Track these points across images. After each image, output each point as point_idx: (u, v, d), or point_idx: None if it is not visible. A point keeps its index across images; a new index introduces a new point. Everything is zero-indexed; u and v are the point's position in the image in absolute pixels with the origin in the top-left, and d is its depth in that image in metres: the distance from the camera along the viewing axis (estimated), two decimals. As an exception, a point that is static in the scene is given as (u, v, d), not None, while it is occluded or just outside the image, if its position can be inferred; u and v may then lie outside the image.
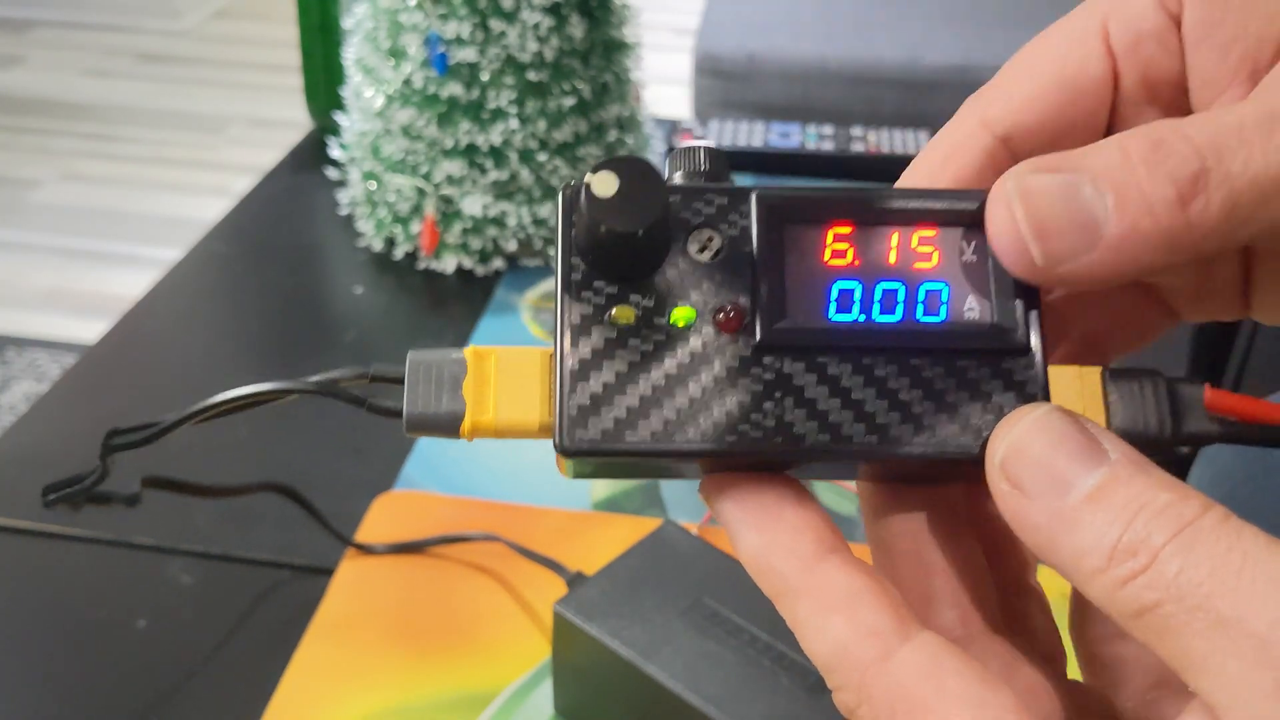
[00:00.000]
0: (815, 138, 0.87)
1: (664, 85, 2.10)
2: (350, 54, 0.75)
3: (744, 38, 1.57)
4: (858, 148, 0.86)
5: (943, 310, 0.22)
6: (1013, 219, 0.20)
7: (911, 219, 0.22)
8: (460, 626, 0.48)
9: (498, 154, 0.70)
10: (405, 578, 0.50)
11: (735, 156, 0.86)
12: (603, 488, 0.56)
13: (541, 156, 0.70)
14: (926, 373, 0.22)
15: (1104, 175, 0.20)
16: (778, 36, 1.57)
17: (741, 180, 0.26)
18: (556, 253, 0.22)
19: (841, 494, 0.55)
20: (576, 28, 0.69)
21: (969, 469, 0.21)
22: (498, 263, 0.73)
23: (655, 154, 0.81)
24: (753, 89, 1.56)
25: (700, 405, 0.21)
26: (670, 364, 0.22)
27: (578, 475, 0.23)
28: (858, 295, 0.22)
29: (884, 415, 0.21)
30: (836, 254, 0.22)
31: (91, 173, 2.31)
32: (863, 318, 0.22)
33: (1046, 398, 0.22)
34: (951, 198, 0.22)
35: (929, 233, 0.22)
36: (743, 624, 0.40)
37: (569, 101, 0.70)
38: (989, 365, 0.22)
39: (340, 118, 0.78)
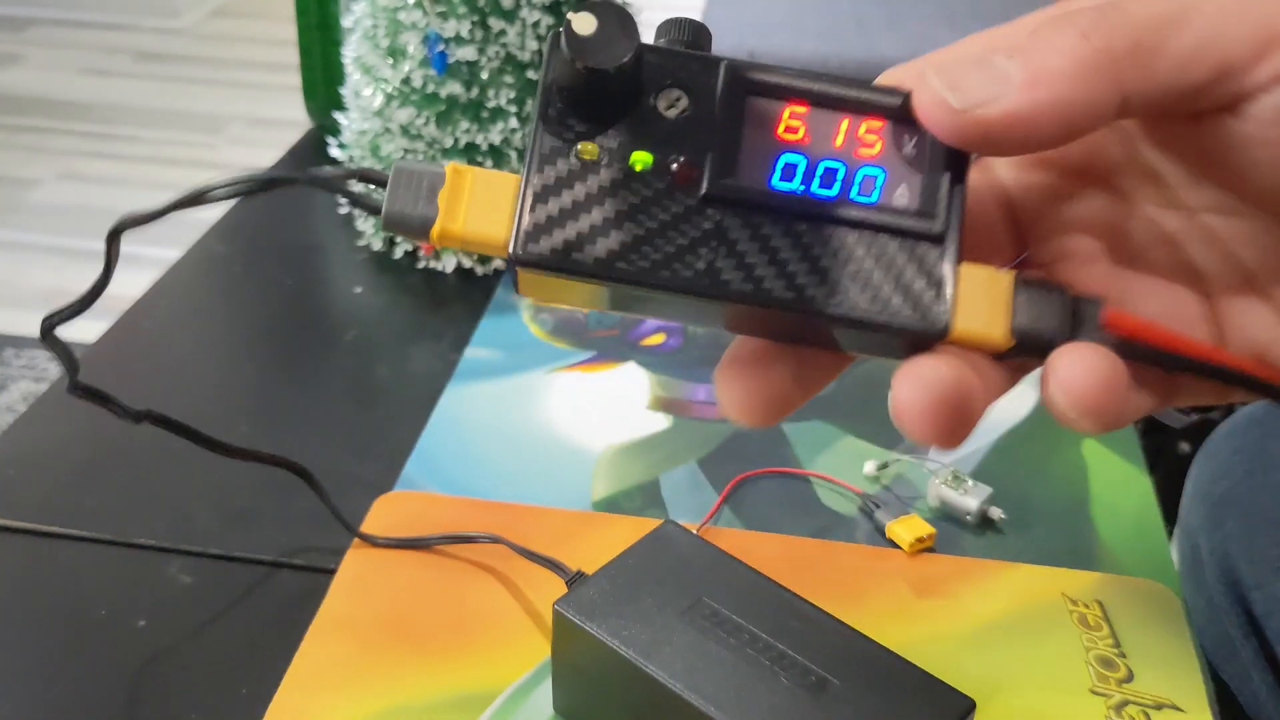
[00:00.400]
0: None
1: (663, 84, 2.10)
2: (349, 53, 0.75)
3: (744, 38, 1.57)
4: (857, 147, 0.86)
5: (875, 193, 0.24)
6: (933, 86, 0.24)
7: (863, 109, 0.25)
8: (460, 626, 0.48)
9: (498, 153, 0.70)
10: (406, 577, 0.50)
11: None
12: (603, 488, 0.56)
13: (541, 156, 0.70)
14: (850, 245, 0.24)
15: (1011, 46, 0.23)
16: (778, 36, 1.57)
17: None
18: (539, 90, 0.24)
19: (842, 493, 0.55)
20: (576, 27, 0.69)
21: (866, 337, 0.24)
22: (497, 262, 0.73)
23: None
24: (752, 88, 1.56)
25: (644, 240, 0.24)
26: (623, 200, 0.24)
27: (529, 294, 0.26)
28: (801, 168, 0.24)
29: (804, 276, 0.24)
30: (790, 129, 0.24)
31: (90, 172, 2.31)
32: (802, 189, 0.24)
33: (953, 285, 0.24)
34: (907, 96, 0.24)
35: (876, 124, 0.25)
36: (743, 624, 0.40)
37: (568, 101, 0.70)
38: (907, 249, 0.24)
39: (339, 117, 0.78)
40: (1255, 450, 0.60)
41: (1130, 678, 0.46)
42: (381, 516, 0.53)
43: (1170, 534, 0.55)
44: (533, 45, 0.68)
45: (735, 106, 0.24)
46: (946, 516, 0.54)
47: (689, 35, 0.25)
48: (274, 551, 0.52)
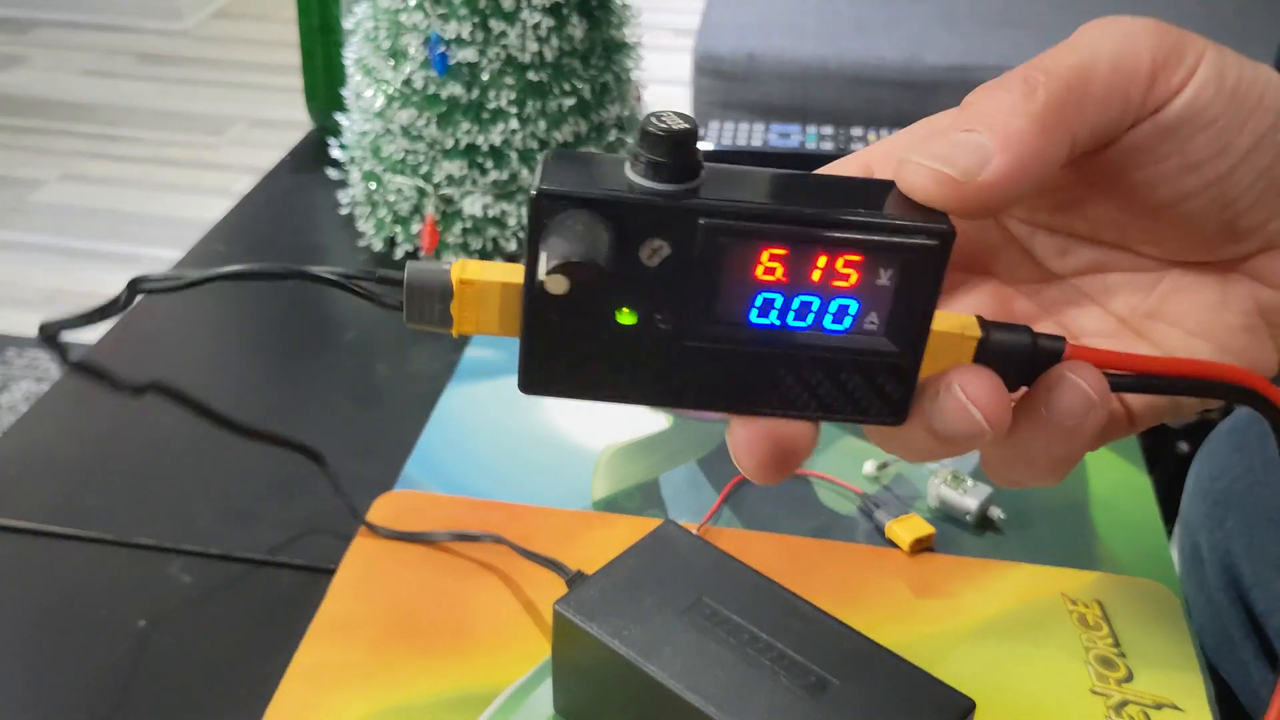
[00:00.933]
0: (815, 138, 0.87)
1: (664, 85, 2.10)
2: (350, 54, 0.75)
3: (744, 38, 1.57)
4: (857, 147, 0.86)
5: (847, 321, 0.26)
6: (922, 165, 0.26)
7: (841, 247, 0.25)
8: (460, 625, 0.48)
9: (498, 154, 0.70)
10: (407, 576, 0.50)
11: (735, 156, 0.86)
12: (603, 488, 0.56)
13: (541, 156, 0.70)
14: (823, 370, 0.26)
15: (961, 122, 0.26)
16: (778, 36, 1.57)
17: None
18: (527, 240, 0.25)
19: (841, 493, 0.55)
20: (576, 28, 0.69)
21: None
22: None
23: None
24: (753, 89, 1.56)
25: (631, 377, 0.27)
26: (610, 346, 0.26)
27: None
28: (778, 304, 0.26)
29: (771, 391, 0.26)
30: (768, 270, 0.25)
31: (92, 173, 2.31)
32: (778, 323, 0.26)
33: (911, 395, 0.27)
34: (887, 229, 0.25)
35: (854, 258, 0.25)
36: (743, 624, 0.40)
37: (569, 101, 0.70)
38: (875, 367, 0.26)
39: (340, 118, 0.79)
40: (1255, 448, 0.60)
41: (1130, 677, 0.46)
42: (382, 515, 0.53)
43: (1170, 533, 0.55)
44: (533, 47, 0.68)
45: (713, 258, 0.25)
46: (946, 516, 0.54)
47: (668, 154, 0.25)
48: (274, 551, 0.52)
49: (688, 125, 0.25)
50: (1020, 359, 0.27)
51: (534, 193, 0.25)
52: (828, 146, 0.86)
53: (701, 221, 0.25)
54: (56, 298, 1.92)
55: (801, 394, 0.27)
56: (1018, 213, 0.32)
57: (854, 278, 0.25)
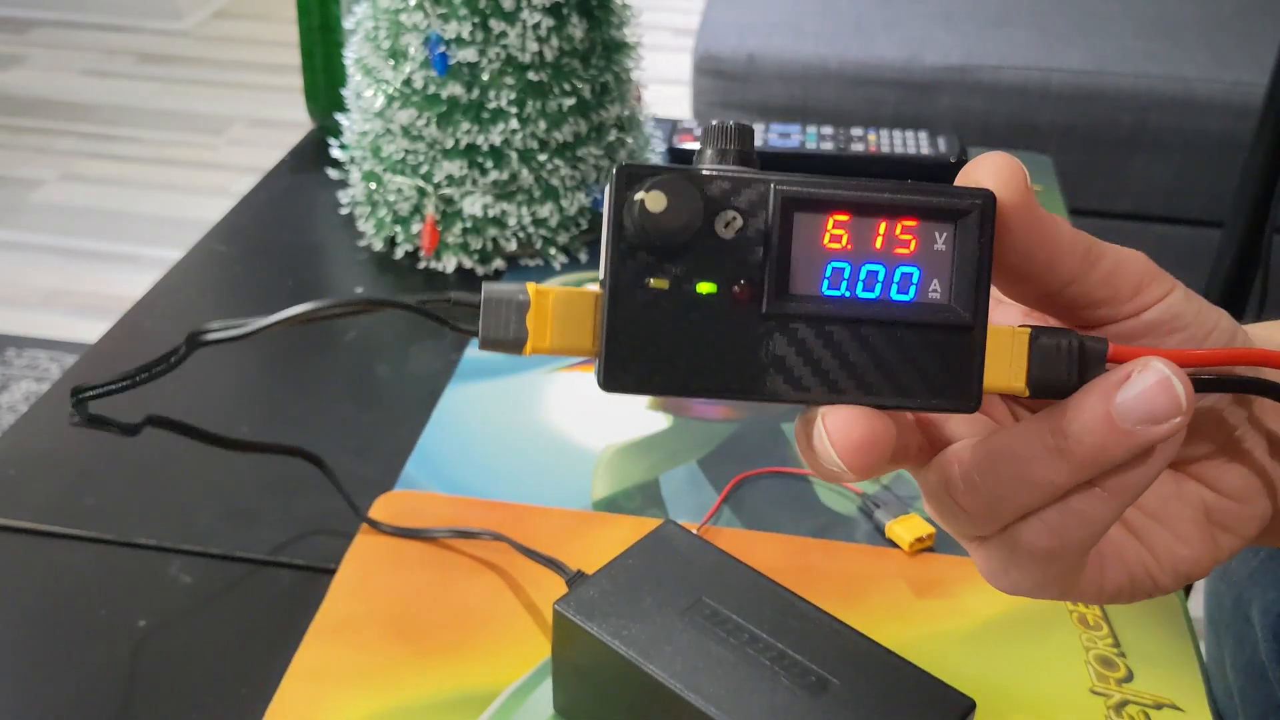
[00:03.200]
0: (815, 138, 0.87)
1: (664, 85, 2.10)
2: (351, 54, 0.75)
3: (744, 38, 1.57)
4: (857, 148, 0.86)
5: (911, 290, 0.27)
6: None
7: (899, 211, 0.27)
8: (460, 625, 0.48)
9: (498, 154, 0.70)
10: (408, 575, 0.50)
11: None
12: (603, 488, 0.56)
13: (541, 156, 0.70)
14: (891, 342, 0.27)
15: None
16: (778, 36, 1.57)
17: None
18: (608, 224, 0.26)
19: (842, 493, 0.55)
20: (576, 28, 0.69)
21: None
22: (498, 263, 0.73)
23: (656, 154, 0.81)
24: (753, 89, 1.56)
25: (715, 358, 0.27)
26: (693, 325, 0.27)
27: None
28: (847, 274, 0.27)
29: (855, 374, 0.27)
30: (834, 238, 0.27)
31: (92, 173, 2.31)
32: (848, 294, 0.27)
33: (980, 371, 0.27)
34: (937, 194, 0.27)
35: (911, 223, 0.27)
36: (743, 624, 0.40)
37: (569, 101, 0.70)
38: (943, 337, 0.27)
39: (341, 118, 0.79)
40: None
41: (1130, 677, 0.46)
42: (383, 515, 0.53)
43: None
44: (533, 47, 0.68)
45: (786, 225, 0.27)
46: (946, 517, 0.54)
47: (737, 144, 0.27)
48: (274, 551, 0.52)
49: (748, 124, 0.28)
50: (1067, 359, 0.28)
51: (615, 170, 0.26)
52: (828, 146, 0.86)
53: (775, 186, 0.27)
54: (56, 298, 1.92)
55: (878, 377, 0.27)
56: None
57: (913, 244, 0.27)
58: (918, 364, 0.27)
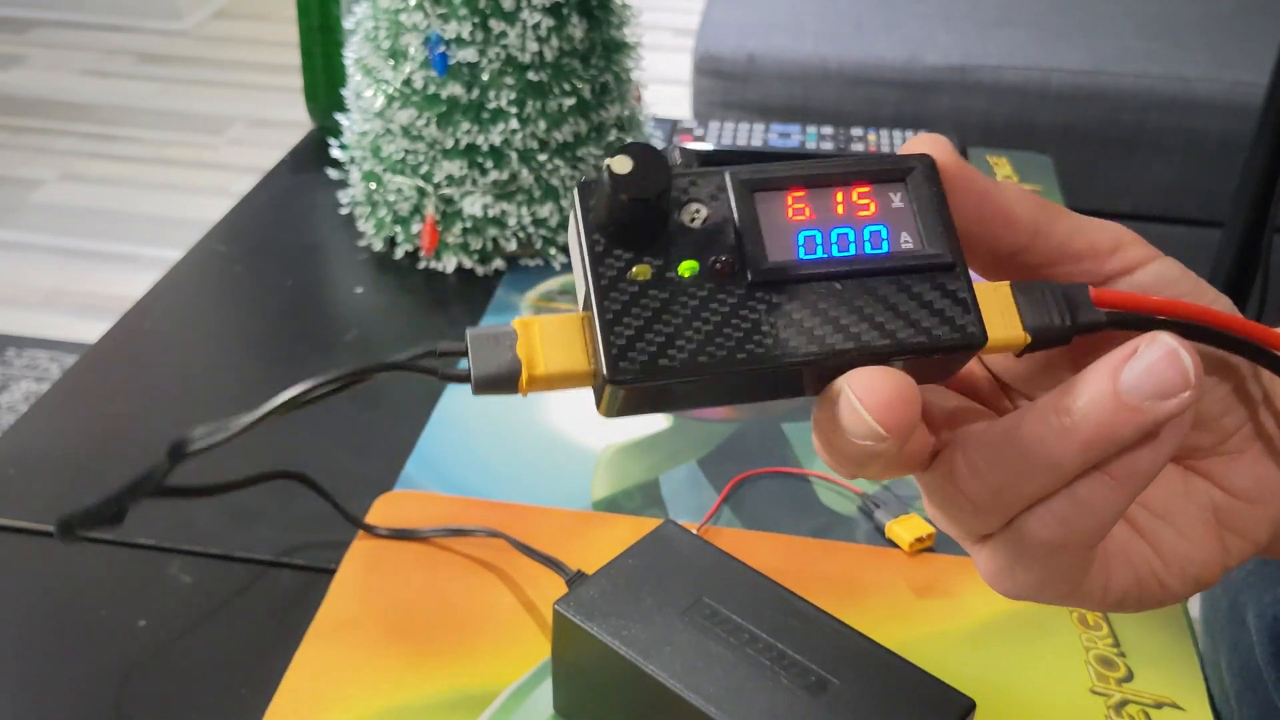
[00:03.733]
0: (815, 138, 0.87)
1: (664, 85, 2.10)
2: (350, 54, 0.75)
3: (744, 38, 1.57)
4: (857, 148, 0.86)
5: (884, 244, 0.28)
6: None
7: (849, 179, 0.28)
8: (460, 626, 0.48)
9: (498, 154, 0.70)
10: (407, 576, 0.50)
11: (735, 156, 0.86)
12: (603, 488, 0.56)
13: (541, 156, 0.70)
14: (882, 291, 0.27)
15: None
16: (778, 36, 1.57)
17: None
18: (578, 236, 0.27)
19: (842, 493, 0.55)
20: (576, 28, 0.69)
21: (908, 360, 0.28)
22: (498, 263, 0.73)
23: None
24: (753, 89, 1.56)
25: (715, 334, 0.27)
26: (684, 306, 0.27)
27: (612, 413, 0.28)
28: (819, 240, 0.28)
29: (855, 327, 0.27)
30: (797, 211, 0.28)
31: (91, 173, 2.31)
32: (825, 255, 0.28)
33: (974, 301, 0.28)
34: (879, 161, 0.28)
35: (864, 189, 0.28)
36: (743, 624, 0.40)
37: (569, 101, 0.70)
38: (929, 280, 0.28)
39: (341, 118, 0.79)
40: None
41: (1130, 677, 0.46)
42: (382, 515, 0.53)
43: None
44: (533, 47, 0.68)
45: (748, 205, 0.28)
46: (946, 517, 0.54)
47: (684, 162, 0.28)
48: (274, 551, 0.52)
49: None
50: (1053, 302, 0.28)
51: (576, 187, 0.27)
52: (828, 146, 0.86)
53: (729, 174, 0.28)
54: (56, 298, 1.92)
55: (883, 324, 0.27)
56: (1004, 377, 0.33)
57: (873, 207, 0.28)
58: (915, 308, 0.27)
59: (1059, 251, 0.29)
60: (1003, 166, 0.87)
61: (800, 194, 0.28)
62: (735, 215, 0.28)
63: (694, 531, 0.44)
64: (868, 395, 0.25)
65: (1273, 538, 0.31)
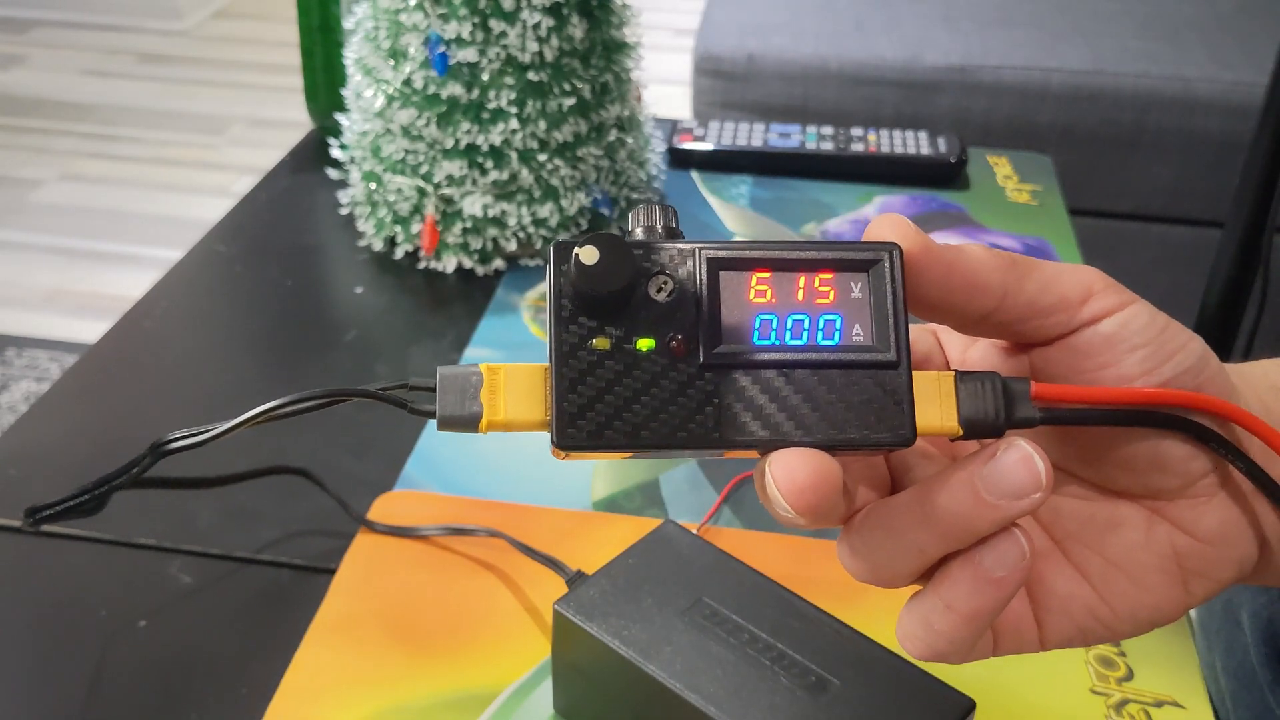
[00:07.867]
0: (815, 138, 0.87)
1: (664, 85, 2.10)
2: (350, 54, 0.75)
3: (744, 38, 1.57)
4: (857, 148, 0.86)
5: (836, 335, 0.29)
6: None
7: (815, 265, 0.29)
8: (460, 626, 0.48)
9: (498, 154, 0.70)
10: (407, 576, 0.50)
11: (735, 156, 0.86)
12: (603, 488, 0.56)
13: (541, 156, 0.70)
14: (825, 383, 0.29)
15: None
16: (778, 36, 1.57)
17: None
18: (549, 295, 0.28)
19: (841, 494, 0.55)
20: (576, 28, 0.69)
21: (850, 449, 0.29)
22: (498, 263, 0.73)
23: (655, 153, 0.81)
24: (752, 89, 1.56)
25: (659, 410, 0.28)
26: (636, 380, 0.28)
27: (561, 458, 0.30)
28: (774, 324, 0.29)
29: (795, 415, 0.28)
30: (759, 294, 0.29)
31: (91, 173, 2.31)
32: (777, 342, 0.29)
33: (911, 402, 0.29)
34: (848, 249, 0.29)
35: (828, 275, 0.29)
36: (743, 624, 0.40)
37: (569, 101, 0.70)
38: (871, 377, 0.29)
39: (341, 118, 0.79)
40: None
41: (1130, 676, 0.46)
42: (382, 515, 0.53)
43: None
44: (533, 47, 0.68)
45: (713, 284, 0.29)
46: (946, 517, 0.54)
47: (663, 221, 0.30)
48: (274, 551, 0.52)
49: (671, 205, 0.31)
50: (993, 397, 0.29)
51: (552, 245, 0.28)
52: (828, 146, 0.86)
53: (700, 251, 0.29)
54: (56, 298, 1.92)
55: (816, 418, 0.28)
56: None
57: (832, 294, 0.29)
58: (852, 403, 0.29)
59: (1029, 308, 0.30)
60: (1003, 166, 0.87)
61: (765, 275, 0.29)
62: (699, 292, 0.29)
63: (694, 531, 0.44)
64: (784, 480, 0.27)
65: (1238, 576, 0.32)
